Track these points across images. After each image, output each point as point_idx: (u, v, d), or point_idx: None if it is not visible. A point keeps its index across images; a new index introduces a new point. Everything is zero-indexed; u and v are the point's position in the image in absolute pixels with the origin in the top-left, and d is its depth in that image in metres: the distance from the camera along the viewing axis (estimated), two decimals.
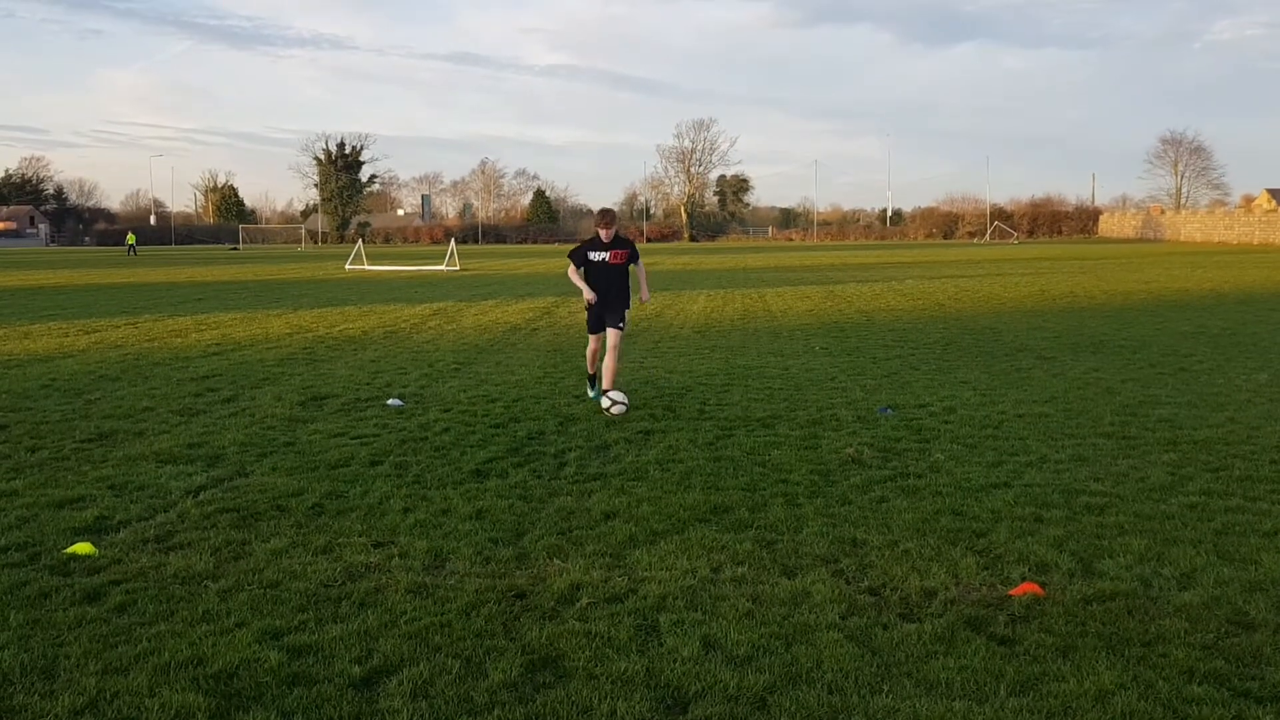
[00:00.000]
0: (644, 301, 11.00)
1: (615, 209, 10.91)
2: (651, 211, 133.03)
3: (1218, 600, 5.12)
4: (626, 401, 9.96)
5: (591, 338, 10.70)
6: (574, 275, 10.69)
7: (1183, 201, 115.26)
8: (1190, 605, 5.06)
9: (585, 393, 11.02)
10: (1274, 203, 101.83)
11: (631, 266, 10.62)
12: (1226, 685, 4.24)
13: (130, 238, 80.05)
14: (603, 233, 10.34)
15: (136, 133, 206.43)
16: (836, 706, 4.11)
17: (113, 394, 11.61)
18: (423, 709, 4.10)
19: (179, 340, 17.19)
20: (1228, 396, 10.91)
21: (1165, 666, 4.41)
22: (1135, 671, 4.36)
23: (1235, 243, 76.27)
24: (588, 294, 10.47)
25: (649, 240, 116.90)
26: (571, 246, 11.29)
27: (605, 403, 9.96)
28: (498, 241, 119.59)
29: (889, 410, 10.26)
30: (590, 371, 10.95)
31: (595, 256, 10.44)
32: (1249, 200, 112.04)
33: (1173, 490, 7.14)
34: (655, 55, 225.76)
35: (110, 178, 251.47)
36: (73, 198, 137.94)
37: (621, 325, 10.45)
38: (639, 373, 12.94)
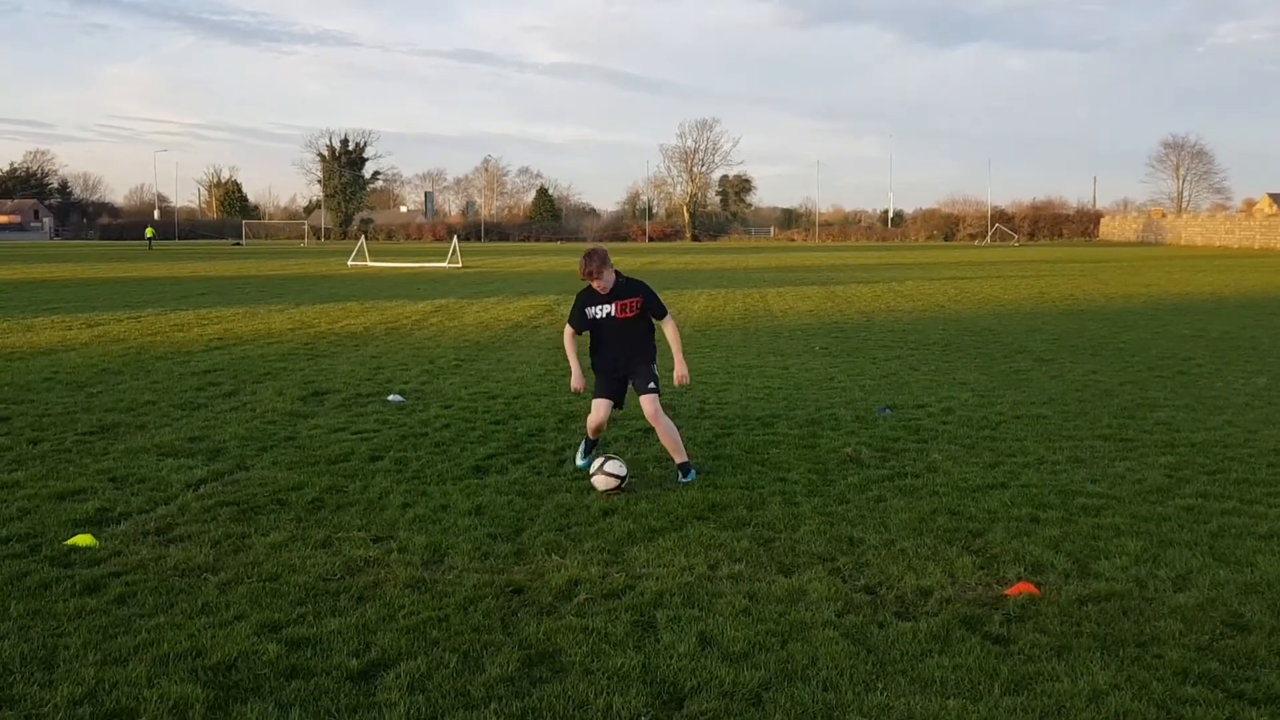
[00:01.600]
0: (680, 382, 7.82)
1: (603, 247, 7.74)
2: (654, 211, 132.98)
3: (1213, 602, 5.14)
4: (622, 474, 7.23)
5: (595, 404, 7.74)
6: (568, 344, 7.92)
7: (1184, 205, 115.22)
8: (1185, 607, 5.08)
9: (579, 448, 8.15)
10: (1275, 207, 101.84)
11: (658, 323, 7.82)
12: (1221, 687, 4.26)
13: (149, 231, 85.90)
14: (594, 284, 7.54)
15: (141, 128, 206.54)
16: (831, 703, 4.13)
17: (114, 387, 11.63)
18: (420, 702, 4.13)
19: (181, 334, 17.22)
20: (1226, 400, 10.93)
21: (1160, 667, 4.43)
22: (1129, 672, 4.38)
23: (1236, 247, 76.22)
24: (575, 380, 7.88)
25: (651, 239, 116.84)
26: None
27: (594, 465, 7.40)
28: (500, 239, 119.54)
29: (887, 410, 10.28)
30: (592, 437, 7.91)
31: (597, 313, 7.63)
32: (1250, 204, 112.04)
33: (1169, 493, 7.16)
34: (658, 54, 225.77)
35: (115, 172, 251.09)
36: (77, 192, 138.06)
37: (653, 387, 7.64)
38: None
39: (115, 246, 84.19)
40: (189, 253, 67.26)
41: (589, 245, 8.22)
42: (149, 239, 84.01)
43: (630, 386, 7.80)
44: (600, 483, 7.19)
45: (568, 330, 7.92)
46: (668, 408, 10.42)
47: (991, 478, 7.56)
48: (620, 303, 7.58)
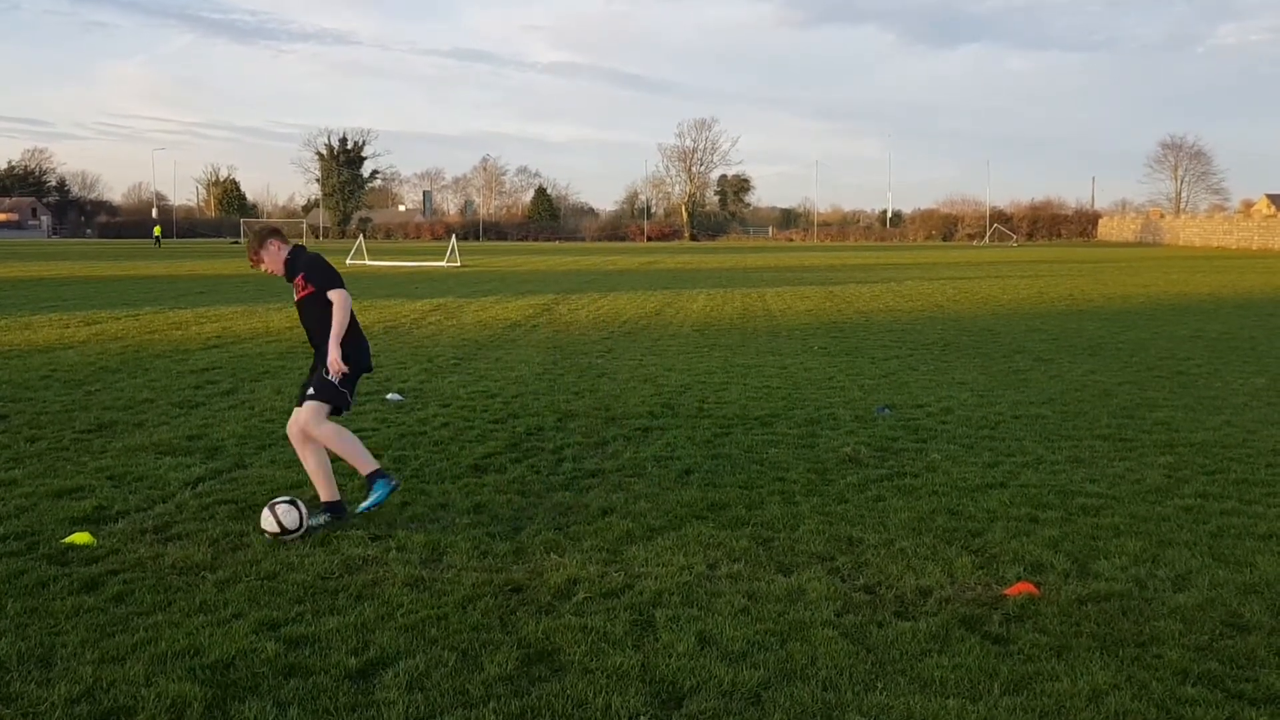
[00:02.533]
0: (333, 371, 6.26)
1: (271, 224, 6.87)
2: (653, 210, 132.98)
3: (1212, 602, 5.13)
4: (299, 516, 6.07)
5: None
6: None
7: (1182, 206, 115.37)
8: (1185, 607, 5.07)
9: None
10: (1273, 208, 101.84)
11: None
12: (1220, 687, 4.26)
13: (157, 230, 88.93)
14: (261, 266, 6.58)
15: (139, 126, 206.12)
16: (830, 703, 4.12)
17: (113, 385, 11.62)
18: (418, 701, 4.12)
19: (179, 333, 17.20)
20: (1224, 400, 10.93)
21: (1159, 667, 4.42)
22: (1129, 672, 4.38)
23: (1234, 247, 76.24)
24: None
25: (649, 239, 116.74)
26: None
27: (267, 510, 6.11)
28: (499, 238, 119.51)
29: (886, 410, 10.28)
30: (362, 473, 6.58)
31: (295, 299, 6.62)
32: (1248, 205, 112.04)
33: (1169, 493, 7.15)
34: (657, 53, 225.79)
35: (113, 170, 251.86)
36: (75, 190, 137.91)
37: (312, 393, 6.37)
38: (592, 365, 12.95)
39: (125, 245, 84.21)
40: (186, 251, 67.22)
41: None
42: (157, 237, 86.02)
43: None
44: (266, 521, 6.07)
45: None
46: (667, 406, 10.41)
47: (990, 477, 7.56)
48: (294, 282, 6.50)
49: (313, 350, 6.65)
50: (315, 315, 6.47)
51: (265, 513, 6.10)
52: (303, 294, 6.46)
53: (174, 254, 61.10)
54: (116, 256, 54.86)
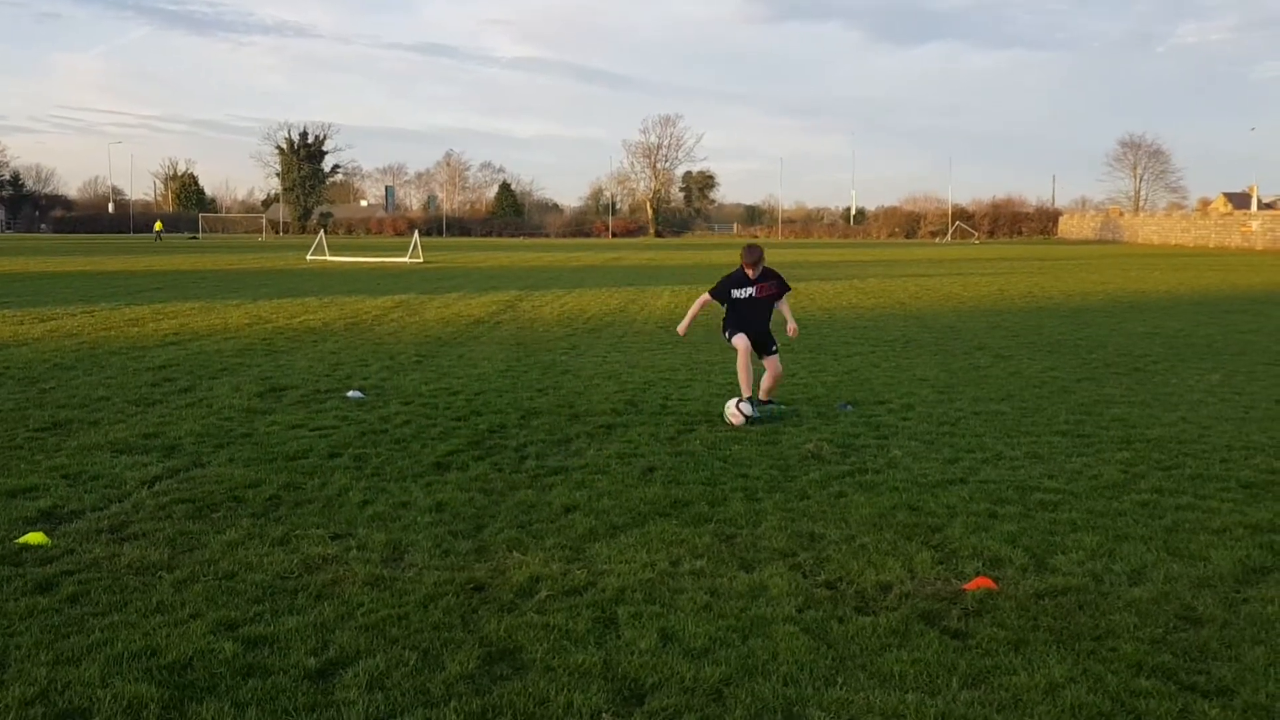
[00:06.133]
0: (793, 335, 10.33)
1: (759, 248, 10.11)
2: (617, 206, 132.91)
3: (1167, 596, 5.21)
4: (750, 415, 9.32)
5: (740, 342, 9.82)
6: (696, 306, 10.05)
7: (1141, 204, 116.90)
8: (1140, 600, 5.14)
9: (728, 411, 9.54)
10: (1230, 206, 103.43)
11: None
12: (1174, 679, 4.32)
13: (158, 225, 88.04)
14: (750, 271, 9.88)
15: (95, 119, 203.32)
16: (791, 698, 4.14)
17: (68, 383, 11.45)
18: (378, 701, 4.10)
19: (136, 329, 16.98)
20: (1180, 396, 11.08)
21: (1114, 660, 4.48)
22: (1085, 665, 4.43)
23: (1192, 245, 77.39)
24: (685, 325, 10.30)
25: (614, 235, 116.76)
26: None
27: (739, 413, 9.39)
28: (462, 234, 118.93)
29: (848, 406, 10.34)
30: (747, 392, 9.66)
31: (740, 294, 9.90)
32: (1206, 203, 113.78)
33: (1125, 488, 7.25)
34: (622, 49, 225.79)
35: (68, 164, 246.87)
36: (29, 184, 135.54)
37: (775, 349, 10.14)
38: (554, 362, 12.92)
39: (66, 240, 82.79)
40: (144, 247, 66.37)
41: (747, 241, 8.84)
42: (158, 233, 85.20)
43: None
44: (734, 417, 9.35)
45: (705, 296, 10.21)
46: (631, 403, 10.44)
47: (950, 473, 7.63)
48: (760, 285, 9.92)
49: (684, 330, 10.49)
50: (765, 309, 10.04)
51: (730, 409, 9.43)
52: (766, 294, 9.96)
53: (110, 250, 60.32)
54: (126, 250, 54.01)
